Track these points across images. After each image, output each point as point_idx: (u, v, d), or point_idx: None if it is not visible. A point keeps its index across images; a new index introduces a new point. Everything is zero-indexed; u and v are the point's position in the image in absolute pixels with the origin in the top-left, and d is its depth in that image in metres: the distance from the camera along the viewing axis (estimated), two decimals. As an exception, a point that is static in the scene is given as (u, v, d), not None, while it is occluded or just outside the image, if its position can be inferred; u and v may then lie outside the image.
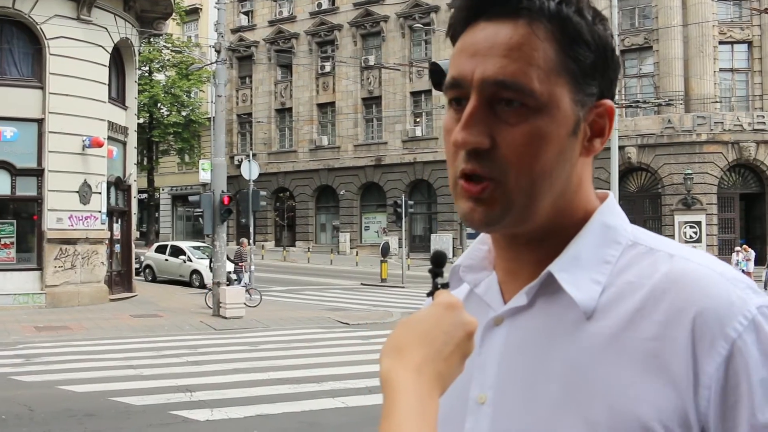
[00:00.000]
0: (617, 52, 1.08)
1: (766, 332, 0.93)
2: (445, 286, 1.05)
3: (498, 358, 1.07)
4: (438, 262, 1.10)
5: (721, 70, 35.29)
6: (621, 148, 30.24)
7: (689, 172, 33.73)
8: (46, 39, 20.63)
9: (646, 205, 36.43)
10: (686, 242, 32.94)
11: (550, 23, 1.01)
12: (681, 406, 0.93)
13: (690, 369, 0.93)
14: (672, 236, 33.88)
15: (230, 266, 25.10)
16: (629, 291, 1.00)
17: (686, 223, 34.28)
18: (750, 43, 35.43)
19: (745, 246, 31.90)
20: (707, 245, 33.80)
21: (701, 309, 0.94)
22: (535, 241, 1.07)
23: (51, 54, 20.68)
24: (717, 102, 34.80)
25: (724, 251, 33.96)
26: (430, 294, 1.05)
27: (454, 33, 1.08)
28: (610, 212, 1.10)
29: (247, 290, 21.99)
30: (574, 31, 1.02)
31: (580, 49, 1.02)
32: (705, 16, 34.14)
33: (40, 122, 20.66)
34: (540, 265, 1.06)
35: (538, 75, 0.99)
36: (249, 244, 25.71)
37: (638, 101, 32.63)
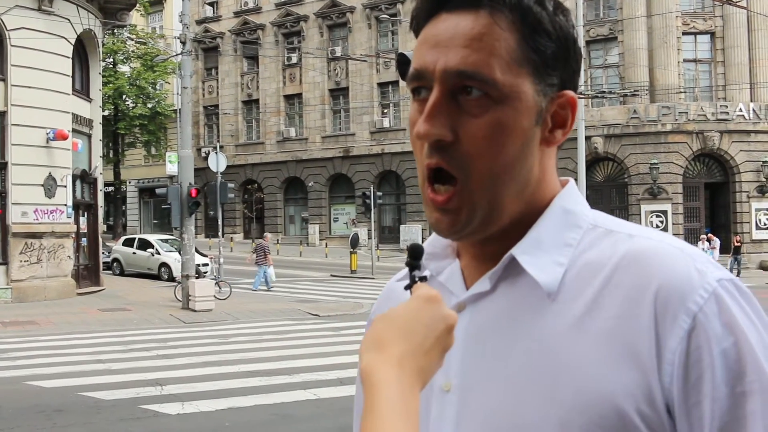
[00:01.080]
0: (579, 44, 1.08)
1: (726, 304, 0.94)
2: (423, 279, 1.04)
3: (461, 345, 1.05)
4: (415, 254, 1.10)
5: (684, 60, 35.69)
6: (587, 138, 30.50)
7: (655, 161, 34.11)
8: (7, 30, 20.32)
9: (613, 195, 36.76)
10: (652, 231, 33.29)
11: (512, 13, 1.01)
12: (646, 382, 0.93)
13: (653, 345, 0.93)
14: (638, 225, 34.33)
15: (200, 259, 24.99)
16: (591, 271, 1.01)
17: (652, 212, 34.67)
18: (713, 34, 35.85)
19: (710, 235, 32.37)
20: (673, 234, 33.80)
21: (662, 284, 0.95)
22: (501, 234, 1.07)
23: (12, 45, 20.39)
24: (681, 92, 35.21)
25: (690, 240, 34.36)
26: (408, 287, 1.03)
27: (417, 25, 1.08)
28: (570, 197, 1.10)
29: (216, 283, 21.89)
30: (535, 21, 1.02)
31: (541, 39, 1.02)
32: (668, 7, 34.48)
33: (2, 115, 20.38)
34: (503, 252, 1.06)
35: (500, 65, 1.00)
36: (268, 238, 26.04)
37: (604, 91, 32.89)
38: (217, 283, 21.95)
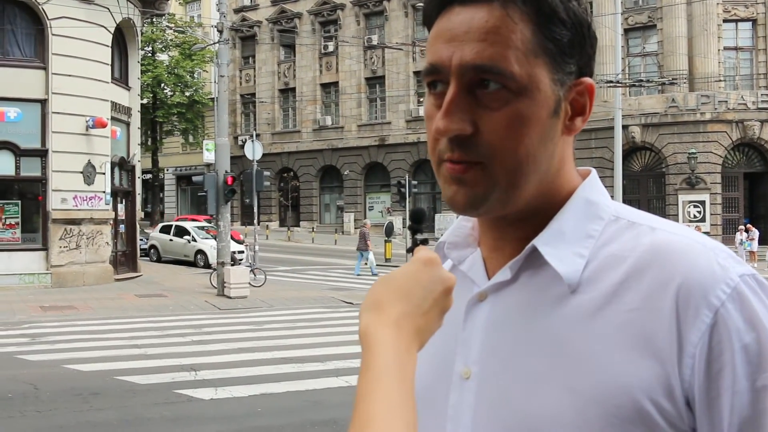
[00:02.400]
0: (593, 27, 1.08)
1: (748, 299, 0.94)
2: (425, 242, 1.06)
3: (482, 333, 1.07)
4: (417, 219, 1.12)
5: (725, 48, 35.15)
6: (625, 127, 30.20)
7: (693, 151, 33.67)
8: (48, 19, 20.60)
9: (650, 185, 36.37)
10: (690, 222, 32.96)
11: (525, 4, 1.01)
12: (665, 376, 0.94)
13: (674, 339, 0.94)
14: (676, 216, 33.91)
15: (235, 246, 25.21)
16: (613, 264, 1.01)
17: (690, 202, 34.25)
18: (754, 21, 35.26)
19: (749, 225, 31.90)
20: (711, 224, 33.78)
21: (684, 279, 0.95)
22: (520, 220, 1.08)
23: (53, 34, 20.66)
24: (721, 81, 34.69)
25: (728, 231, 33.96)
26: (410, 250, 1.05)
27: (429, 18, 1.08)
28: (592, 188, 1.10)
29: (251, 270, 22.06)
30: (549, 10, 1.01)
31: (556, 28, 1.02)
32: (709, -5, 33.96)
33: (43, 103, 20.68)
34: (524, 242, 1.07)
35: (516, 57, 0.99)
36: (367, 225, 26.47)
37: (642, 80, 32.49)
38: (252, 270, 22.12)
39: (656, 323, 0.95)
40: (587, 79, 1.06)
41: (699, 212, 34.02)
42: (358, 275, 25.81)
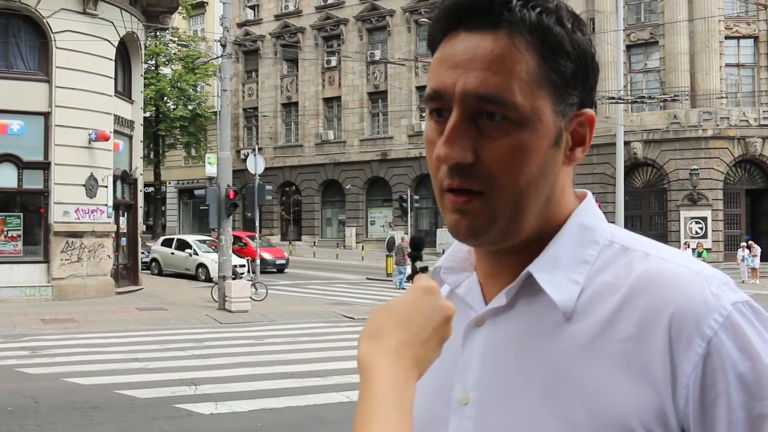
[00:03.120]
0: (596, 58, 1.08)
1: (742, 329, 0.94)
2: (424, 269, 1.06)
3: (480, 359, 1.07)
4: (417, 246, 1.12)
5: (727, 65, 35.21)
6: (627, 143, 30.24)
7: (695, 167, 33.69)
8: (53, 33, 20.68)
9: (652, 201, 36.37)
10: (692, 238, 32.94)
11: (531, 35, 1.00)
12: (660, 406, 0.94)
13: (668, 369, 0.94)
14: (678, 232, 33.91)
15: (237, 260, 25.21)
16: (607, 292, 1.01)
17: (692, 218, 34.24)
18: (756, 38, 35.36)
19: (751, 242, 31.89)
20: (713, 241, 33.76)
21: (677, 308, 0.95)
22: (518, 248, 1.07)
23: (57, 48, 20.74)
24: (723, 97, 34.74)
25: (730, 247, 33.94)
26: (410, 278, 1.05)
27: (433, 42, 1.07)
28: (587, 212, 1.10)
29: (253, 284, 22.04)
30: (554, 42, 1.01)
31: (561, 60, 1.02)
32: (711, 11, 34.05)
33: (46, 116, 20.74)
34: (521, 268, 1.06)
35: (520, 88, 0.99)
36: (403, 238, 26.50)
37: (644, 96, 32.48)
38: (253, 284, 22.11)
39: (650, 353, 0.95)
40: (588, 111, 1.06)
41: (701, 228, 34.00)
42: (399, 287, 26.17)
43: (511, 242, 1.06)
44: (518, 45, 1.00)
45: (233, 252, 23.02)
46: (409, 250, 1.16)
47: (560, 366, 1.00)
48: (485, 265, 1.13)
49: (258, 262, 25.61)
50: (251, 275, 24.14)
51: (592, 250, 1.06)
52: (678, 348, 0.94)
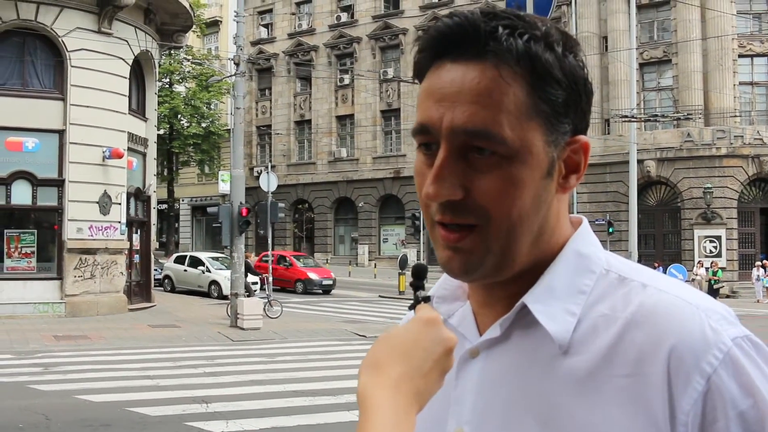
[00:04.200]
0: (589, 82, 1.05)
1: (742, 365, 0.92)
2: (426, 299, 1.04)
3: (474, 392, 1.05)
4: (419, 275, 1.09)
5: (740, 83, 35.11)
6: (640, 161, 30.15)
7: (709, 186, 33.54)
8: (68, 51, 20.85)
9: (666, 219, 36.20)
10: (706, 257, 32.73)
11: (519, 64, 0.97)
12: None
13: (666, 406, 0.92)
14: (692, 251, 33.72)
15: (251, 277, 25.22)
16: (603, 324, 0.99)
17: (706, 237, 34.05)
18: (770, 57, 35.26)
19: (765, 261, 31.68)
20: (727, 260, 33.56)
21: (675, 343, 0.93)
22: (512, 278, 1.05)
23: (72, 66, 20.90)
24: (737, 116, 34.62)
25: (745, 266, 33.71)
26: (412, 307, 1.03)
27: (420, 72, 1.05)
28: (583, 240, 1.07)
29: (269, 302, 22.09)
30: (544, 71, 0.98)
31: (551, 89, 0.98)
32: (724, 30, 34.01)
33: (61, 133, 20.87)
34: (516, 298, 1.04)
35: (509, 121, 0.96)
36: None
37: (656, 115, 32.46)
38: (269, 301, 22.12)
39: (648, 389, 0.93)
40: (582, 138, 1.04)
41: (715, 247, 33.80)
42: None
43: (504, 276, 1.03)
44: (505, 76, 0.97)
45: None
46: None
47: (557, 400, 0.98)
48: (479, 294, 1.11)
49: (270, 279, 25.56)
50: (266, 293, 24.07)
51: (588, 279, 1.03)
52: (677, 385, 0.92)
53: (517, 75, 0.97)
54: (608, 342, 0.97)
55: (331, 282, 33.39)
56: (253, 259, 29.64)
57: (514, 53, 0.97)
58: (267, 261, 27.90)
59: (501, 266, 1.02)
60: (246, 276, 23.23)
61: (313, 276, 32.73)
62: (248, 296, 21.32)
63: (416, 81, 1.06)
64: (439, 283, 1.18)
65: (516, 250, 1.01)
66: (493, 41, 0.97)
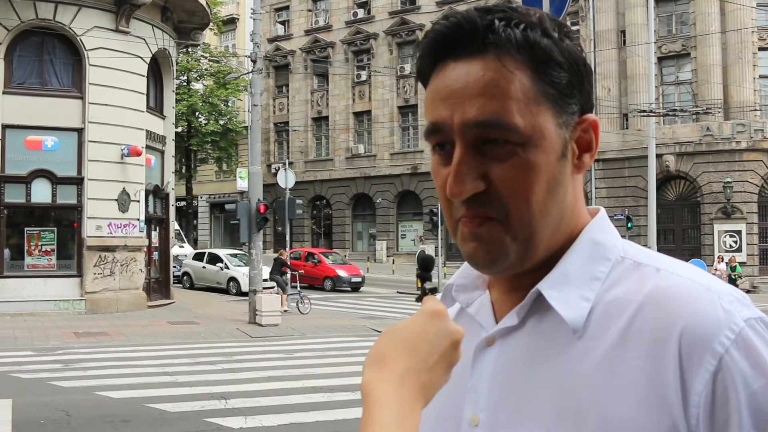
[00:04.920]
0: (588, 61, 1.06)
1: (754, 345, 0.92)
2: (434, 291, 1.04)
3: (490, 379, 1.06)
4: (426, 266, 1.10)
5: (760, 76, 34.78)
6: (659, 156, 29.94)
7: (729, 180, 33.29)
8: (86, 50, 20.97)
9: (685, 214, 35.97)
10: (726, 251, 32.50)
11: (519, 53, 0.99)
12: (673, 424, 0.92)
13: (679, 387, 0.92)
14: (711, 245, 33.48)
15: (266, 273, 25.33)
16: (618, 308, 0.99)
17: (726, 232, 33.80)
18: (791, 50, 34.94)
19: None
20: (747, 254, 33.31)
21: (687, 324, 0.93)
22: (535, 268, 1.06)
23: (90, 65, 21.02)
24: (757, 109, 34.33)
25: (765, 261, 33.47)
26: (419, 299, 1.03)
27: (424, 76, 1.07)
28: (599, 228, 1.08)
29: (300, 298, 22.37)
30: (544, 56, 1.00)
31: (554, 72, 1.01)
32: (744, 23, 33.74)
33: (80, 132, 21.01)
34: (533, 285, 1.05)
35: (518, 108, 0.98)
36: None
37: (675, 109, 32.25)
38: (301, 298, 22.44)
39: (661, 371, 0.93)
40: (590, 116, 1.05)
41: (735, 242, 33.55)
42: None
43: (529, 265, 1.04)
44: (508, 65, 0.99)
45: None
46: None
47: (572, 384, 0.98)
48: (499, 284, 1.12)
49: (285, 275, 25.60)
50: (298, 290, 24.17)
51: (603, 266, 1.04)
52: (689, 365, 0.92)
53: (519, 63, 0.99)
54: (622, 325, 0.98)
55: (360, 279, 33.07)
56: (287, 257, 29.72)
57: (513, 42, 0.99)
58: (294, 258, 27.96)
59: (525, 254, 1.03)
60: (281, 274, 23.49)
61: (342, 273, 32.55)
62: (281, 293, 22.15)
63: (421, 83, 1.08)
64: (459, 272, 1.18)
65: (539, 236, 1.02)
66: (492, 34, 0.99)
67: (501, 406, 1.04)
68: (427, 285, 1.06)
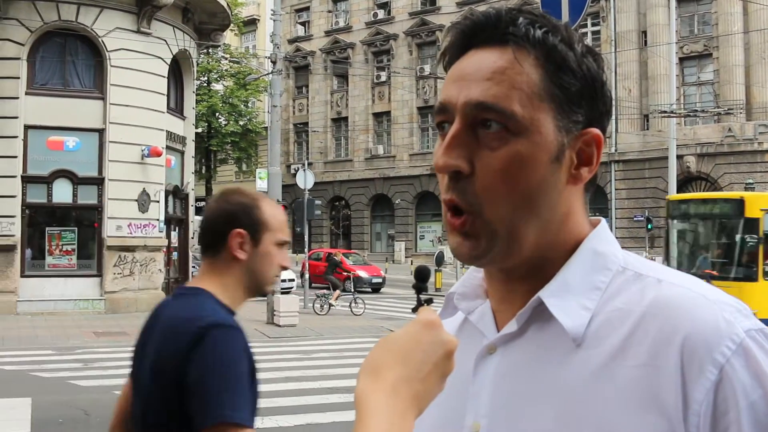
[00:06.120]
0: (607, 87, 1.08)
1: (754, 356, 0.92)
2: (429, 301, 1.05)
3: (491, 386, 1.06)
4: (421, 277, 1.11)
5: (784, 77, 34.49)
6: (680, 157, 29.75)
7: (750, 181, 32.87)
8: (107, 51, 21.10)
9: (706, 216, 35.63)
10: (747, 253, 32.15)
11: (536, 50, 1.02)
12: None
13: (679, 396, 0.92)
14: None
15: (286, 274, 25.40)
16: (618, 318, 1.00)
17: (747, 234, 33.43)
18: (814, 50, 34.59)
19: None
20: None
21: (688, 334, 0.94)
22: (527, 273, 1.07)
23: (112, 66, 21.15)
24: (779, 110, 34.04)
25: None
26: (414, 310, 1.04)
27: (448, 62, 1.10)
28: (600, 239, 1.08)
29: (354, 299, 22.77)
30: (559, 59, 1.03)
31: (565, 77, 1.02)
32: (766, 23, 33.44)
33: (101, 132, 21.14)
34: (533, 293, 1.06)
35: (519, 98, 1.00)
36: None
37: (697, 110, 32.03)
38: (354, 299, 22.95)
39: (662, 380, 0.94)
40: (594, 129, 1.05)
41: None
42: None
43: (513, 262, 1.05)
44: (521, 59, 1.02)
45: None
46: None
47: (572, 392, 0.99)
48: (497, 291, 1.12)
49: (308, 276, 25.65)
50: (352, 291, 24.24)
51: (604, 276, 1.05)
52: (690, 375, 0.92)
53: (532, 59, 1.03)
54: (623, 334, 0.99)
55: (380, 280, 32.87)
56: (341, 257, 29.78)
57: (531, 40, 1.03)
58: (315, 259, 28.02)
59: (509, 250, 1.03)
60: (332, 273, 24.40)
61: (362, 274, 32.27)
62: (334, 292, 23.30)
63: (446, 72, 1.10)
64: (461, 280, 1.19)
65: (522, 232, 1.03)
66: (513, 27, 1.04)
67: (502, 413, 1.05)
68: (423, 296, 1.07)
